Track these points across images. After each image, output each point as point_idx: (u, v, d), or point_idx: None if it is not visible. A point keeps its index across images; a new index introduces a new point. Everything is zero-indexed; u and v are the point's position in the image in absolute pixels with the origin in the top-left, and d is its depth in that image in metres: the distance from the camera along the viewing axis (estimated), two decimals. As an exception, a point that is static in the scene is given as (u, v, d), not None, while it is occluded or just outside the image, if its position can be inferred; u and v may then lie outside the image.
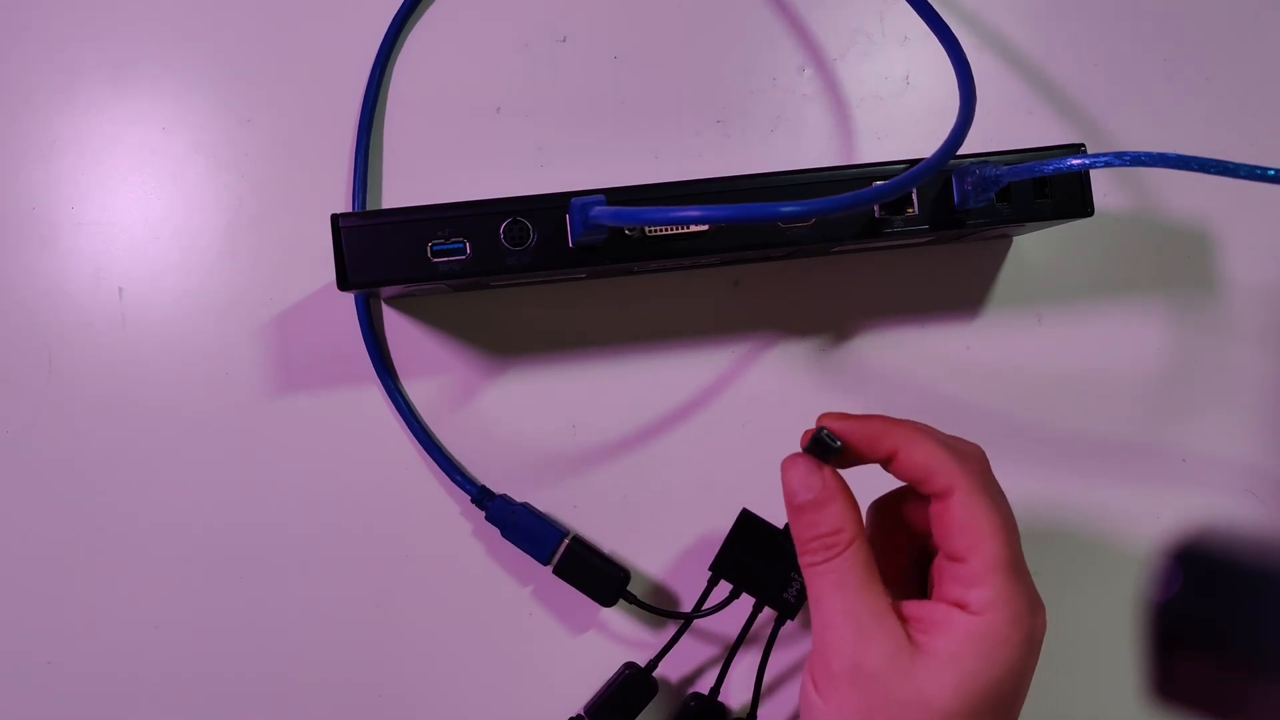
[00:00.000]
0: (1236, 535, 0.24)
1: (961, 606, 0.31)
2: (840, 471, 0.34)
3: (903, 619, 0.32)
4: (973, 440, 0.35)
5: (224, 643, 0.42)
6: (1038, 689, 0.43)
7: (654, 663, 0.41)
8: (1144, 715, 0.43)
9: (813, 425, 0.34)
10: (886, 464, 0.33)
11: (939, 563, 0.33)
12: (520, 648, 0.42)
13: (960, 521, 0.31)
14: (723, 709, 0.42)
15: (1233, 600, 0.23)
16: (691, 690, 0.42)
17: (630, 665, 0.42)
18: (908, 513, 0.36)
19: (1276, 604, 0.22)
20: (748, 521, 0.41)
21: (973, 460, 0.33)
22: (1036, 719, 0.43)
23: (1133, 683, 0.43)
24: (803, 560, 0.33)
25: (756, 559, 0.40)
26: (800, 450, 0.34)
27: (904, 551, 0.36)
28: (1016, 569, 0.32)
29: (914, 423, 0.34)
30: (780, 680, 0.43)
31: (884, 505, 0.37)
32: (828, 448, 0.33)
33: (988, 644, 0.30)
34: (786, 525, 0.39)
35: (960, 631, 0.30)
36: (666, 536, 0.43)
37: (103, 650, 0.41)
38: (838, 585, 0.32)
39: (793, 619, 0.41)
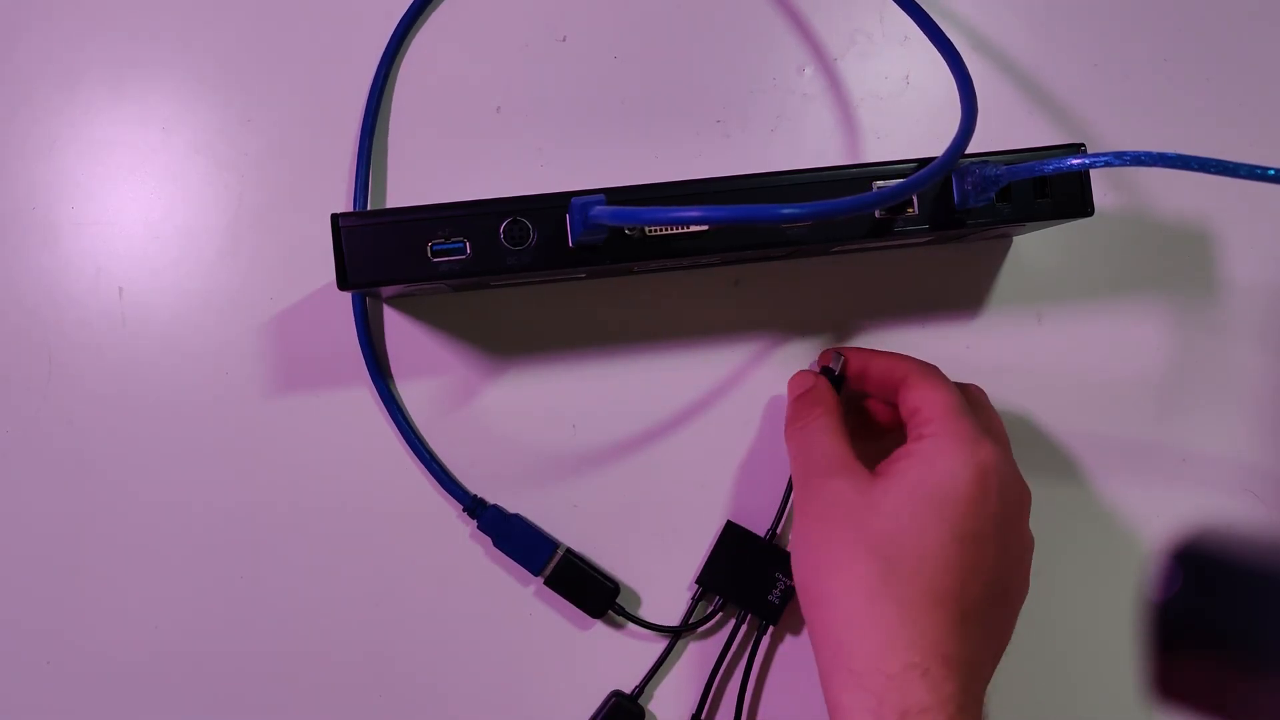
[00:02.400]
0: (1236, 535, 0.24)
1: (915, 441, 0.36)
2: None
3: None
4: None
5: (223, 643, 0.42)
6: (1039, 687, 0.43)
7: (640, 688, 0.41)
8: (1144, 715, 0.43)
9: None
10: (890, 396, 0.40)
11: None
12: (517, 651, 0.42)
13: (919, 392, 0.37)
14: None
15: (1233, 600, 0.23)
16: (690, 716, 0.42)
17: (616, 694, 0.41)
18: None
19: (1276, 604, 0.22)
20: (732, 532, 0.42)
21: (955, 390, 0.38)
22: (1037, 718, 0.43)
23: (1133, 682, 0.43)
24: (790, 429, 0.39)
25: (741, 568, 0.41)
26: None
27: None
28: (964, 411, 0.36)
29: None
30: (773, 694, 0.43)
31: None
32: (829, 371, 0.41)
33: (928, 457, 0.35)
34: (769, 532, 0.42)
35: (907, 453, 0.36)
36: (666, 534, 0.43)
37: (103, 650, 0.41)
38: (816, 436, 0.38)
39: (775, 624, 0.41)
